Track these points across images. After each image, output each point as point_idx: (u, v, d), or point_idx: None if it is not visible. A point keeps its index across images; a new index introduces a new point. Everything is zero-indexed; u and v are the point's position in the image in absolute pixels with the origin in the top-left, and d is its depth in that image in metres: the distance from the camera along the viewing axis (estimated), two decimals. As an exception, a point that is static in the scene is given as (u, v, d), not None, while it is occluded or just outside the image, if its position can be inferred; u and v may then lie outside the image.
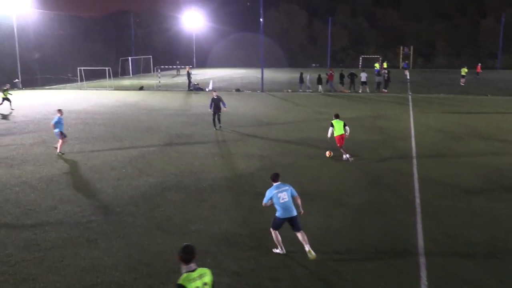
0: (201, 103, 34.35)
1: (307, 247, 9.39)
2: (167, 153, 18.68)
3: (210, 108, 23.67)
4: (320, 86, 40.25)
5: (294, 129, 23.15)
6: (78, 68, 47.77)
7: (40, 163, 17.25)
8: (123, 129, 24.05)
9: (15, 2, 47.81)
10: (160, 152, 18.97)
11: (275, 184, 9.64)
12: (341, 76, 41.16)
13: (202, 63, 78.78)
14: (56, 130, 18.51)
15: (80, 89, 44.95)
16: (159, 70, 47.52)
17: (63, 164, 17.17)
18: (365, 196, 13.25)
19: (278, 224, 9.52)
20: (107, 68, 47.01)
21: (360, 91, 39.41)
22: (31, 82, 49.90)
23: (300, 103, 33.17)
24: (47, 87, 47.76)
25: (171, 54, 74.77)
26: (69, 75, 53.24)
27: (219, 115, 23.62)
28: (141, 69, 67.23)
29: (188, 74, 44.06)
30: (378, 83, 39.94)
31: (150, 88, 45.57)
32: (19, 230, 11.12)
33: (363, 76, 39.97)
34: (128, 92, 42.88)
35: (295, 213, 9.47)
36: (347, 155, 17.23)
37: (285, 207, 9.41)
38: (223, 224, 11.28)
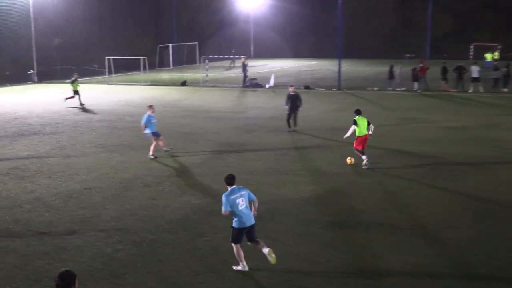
0: (259, 103, 34.55)
1: (266, 250, 10.57)
2: (214, 167, 18.86)
3: (286, 105, 25.22)
4: (416, 84, 39.52)
5: (378, 139, 22.76)
6: (106, 57, 49.40)
7: (57, 176, 17.91)
8: (171, 134, 24.56)
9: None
10: (205, 165, 19.18)
11: (230, 188, 10.60)
12: (444, 71, 40.11)
13: (262, 53, 79.52)
14: (147, 131, 19.97)
15: (108, 84, 46.53)
16: (206, 61, 48.25)
17: (85, 177, 17.75)
18: (470, 231, 12.74)
19: (239, 236, 10.51)
20: (141, 58, 48.37)
21: (470, 90, 38.31)
22: (48, 74, 52.16)
23: (389, 105, 32.67)
24: (67, 81, 49.62)
25: (222, 40, 75.96)
26: (95, 66, 55.27)
27: (295, 115, 25.16)
28: (184, 60, 68.70)
29: (244, 67, 44.54)
30: (496, 80, 38.66)
31: (194, 83, 46.43)
32: (29, 258, 11.54)
33: (475, 70, 38.80)
34: (167, 88, 43.89)
35: (251, 222, 10.53)
36: (366, 160, 18.23)
37: (243, 214, 10.46)
38: (284, 260, 11.18)
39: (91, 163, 19.52)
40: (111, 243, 12.30)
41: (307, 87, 41.21)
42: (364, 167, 18.20)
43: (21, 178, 17.65)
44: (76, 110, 32.26)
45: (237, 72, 52.23)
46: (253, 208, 10.89)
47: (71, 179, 17.49)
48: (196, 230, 13.08)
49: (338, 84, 41.62)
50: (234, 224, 10.60)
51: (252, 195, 10.80)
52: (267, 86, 43.04)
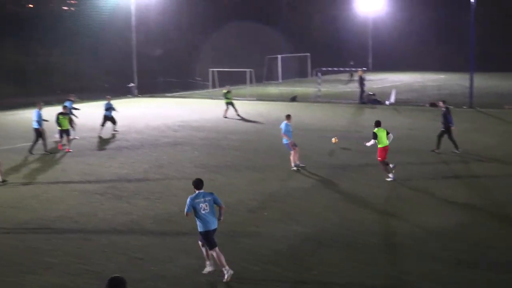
0: (378, 122, 34.07)
1: (210, 268, 12.16)
2: (325, 192, 18.73)
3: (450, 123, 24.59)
4: None
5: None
6: (210, 70, 50.74)
7: (155, 197, 18.48)
8: (265, 155, 24.78)
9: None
10: (315, 189, 19.09)
11: (197, 192, 12.20)
12: None
13: (381, 65, 78.48)
14: (285, 141, 21.71)
15: (212, 98, 47.68)
16: (319, 74, 48.30)
17: (184, 199, 18.12)
18: None
19: (209, 238, 11.94)
20: (248, 71, 49.19)
21: None
22: (149, 87, 54.25)
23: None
24: (168, 94, 51.57)
25: (337, 51, 75.85)
26: (198, 79, 56.94)
27: (450, 135, 24.43)
28: (295, 72, 69.16)
29: (361, 81, 44.17)
30: None
31: (305, 98, 46.57)
32: (124, 285, 11.90)
33: None
34: (275, 103, 44.32)
35: (215, 226, 12.02)
36: (391, 175, 19.92)
37: (207, 218, 11.94)
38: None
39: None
40: (210, 274, 12.45)
41: (433, 105, 40.12)
42: (389, 179, 19.88)
43: (118, 198, 18.35)
44: (183, 126, 33.26)
45: (353, 87, 51.87)
46: (220, 214, 12.27)
47: (169, 201, 17.98)
48: (304, 263, 13.00)
49: (469, 102, 40.20)
50: (200, 229, 12.03)
51: (219, 201, 12.26)
52: (387, 102, 42.38)
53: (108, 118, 31.39)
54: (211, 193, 12.40)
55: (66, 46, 58.48)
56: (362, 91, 43.93)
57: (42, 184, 20.37)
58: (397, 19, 78.60)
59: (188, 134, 30.66)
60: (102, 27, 54.85)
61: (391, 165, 20.16)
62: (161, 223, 15.88)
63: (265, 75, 64.81)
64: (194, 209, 12.05)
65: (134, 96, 52.04)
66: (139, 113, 39.99)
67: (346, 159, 23.86)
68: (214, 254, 12.00)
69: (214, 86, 49.80)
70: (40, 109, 26.90)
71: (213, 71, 50.26)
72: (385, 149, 20.16)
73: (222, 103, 44.82)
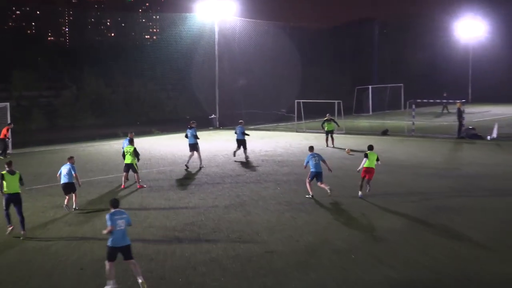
0: (479, 158, 33.15)
1: (140, 279, 13.77)
2: (420, 235, 18.29)
3: None
4: None
5: None
6: (296, 101, 50.90)
7: (236, 235, 18.50)
8: (352, 192, 24.49)
9: (217, 11, 53.73)
10: (409, 231, 18.67)
11: (113, 210, 14.13)
12: None
13: (482, 97, 76.51)
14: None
15: (297, 131, 47.76)
16: (413, 106, 47.58)
17: (267, 238, 18.12)
18: None
19: (112, 254, 13.91)
20: (336, 102, 49.06)
21: None
22: (231, 118, 54.87)
23: None
24: (251, 127, 51.93)
25: (433, 82, 74.64)
26: (283, 110, 57.20)
27: None
28: (386, 104, 68.45)
29: (459, 113, 43.25)
30: None
31: (398, 132, 45.95)
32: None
33: None
34: (365, 137, 43.94)
35: (128, 242, 14.14)
36: (360, 193, 23.50)
37: (119, 235, 13.91)
38: None
39: (273, 223, 19.93)
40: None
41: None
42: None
43: (197, 236, 18.49)
44: (259, 161, 33.41)
45: (450, 120, 50.83)
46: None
47: (251, 240, 17.96)
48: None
49: None
50: (109, 243, 13.97)
51: (130, 220, 14.37)
52: (488, 137, 41.26)
53: (240, 142, 33.99)
54: (124, 211, 14.46)
55: (148, 75, 60.13)
56: (461, 124, 42.97)
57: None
58: (500, 46, 76.73)
59: (272, 169, 30.73)
60: (184, 57, 56.18)
61: (367, 189, 23.64)
62: (242, 263, 15.85)
63: (355, 107, 64.45)
64: (114, 224, 13.90)
65: (215, 128, 52.77)
66: (220, 146, 40.48)
67: (441, 199, 23.26)
68: (107, 266, 13.94)
69: (299, 119, 49.84)
70: (131, 138, 27.36)
71: (299, 102, 50.33)
72: (369, 170, 23.59)
73: (306, 136, 44.93)
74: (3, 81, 59.46)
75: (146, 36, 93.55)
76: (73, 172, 21.85)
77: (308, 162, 23.76)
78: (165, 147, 40.41)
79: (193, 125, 32.17)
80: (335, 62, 71.18)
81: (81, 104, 61.76)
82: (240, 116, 55.91)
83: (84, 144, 42.70)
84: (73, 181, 21.99)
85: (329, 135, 39.32)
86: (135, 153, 26.22)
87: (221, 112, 54.76)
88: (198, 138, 32.14)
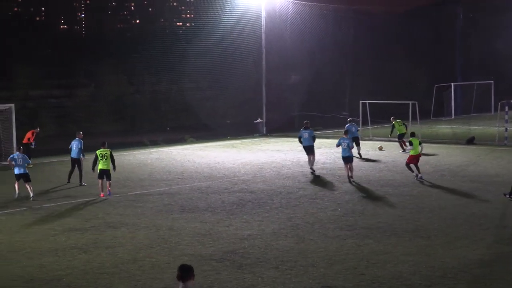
0: None
1: None
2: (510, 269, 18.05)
3: None
4: None
5: None
6: (361, 102, 50.63)
7: (287, 266, 18.45)
8: (430, 214, 24.30)
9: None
10: (501, 263, 18.40)
11: None
12: None
13: None
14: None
15: (363, 139, 47.46)
16: (506, 108, 46.90)
17: (324, 271, 18.03)
18: None
19: None
20: (410, 103, 48.68)
21: None
22: (281, 123, 54.89)
23: None
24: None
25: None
26: (345, 113, 57.01)
27: None
28: (473, 106, 67.60)
29: None
30: None
31: (487, 140, 45.42)
32: None
33: None
34: (446, 147, 43.64)
35: None
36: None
37: None
38: None
39: (333, 251, 19.83)
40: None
41: None
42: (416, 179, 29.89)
43: (239, 267, 18.49)
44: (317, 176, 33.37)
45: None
46: None
47: (305, 272, 17.89)
48: None
49: None
50: None
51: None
52: None
53: (309, 148, 34.96)
54: None
55: (179, 71, 60.29)
56: None
57: (143, 246, 20.97)
58: None
59: (331, 186, 30.64)
60: (224, 48, 56.30)
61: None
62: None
63: (433, 109, 63.80)
64: None
65: (261, 135, 52.82)
66: (267, 157, 40.54)
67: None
68: None
69: (365, 123, 49.58)
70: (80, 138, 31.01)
71: (364, 103, 50.07)
72: (415, 157, 31.15)
73: (374, 145, 44.66)
74: (5, 77, 60.39)
75: (177, 23, 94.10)
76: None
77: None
78: (200, 158, 40.67)
79: (308, 125, 34.92)
80: (408, 55, 70.52)
81: (99, 106, 62.43)
82: (291, 120, 55.90)
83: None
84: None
85: (402, 138, 40.87)
86: (112, 158, 29.11)
87: (269, 116, 54.75)
88: (314, 141, 34.95)
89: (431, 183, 30.84)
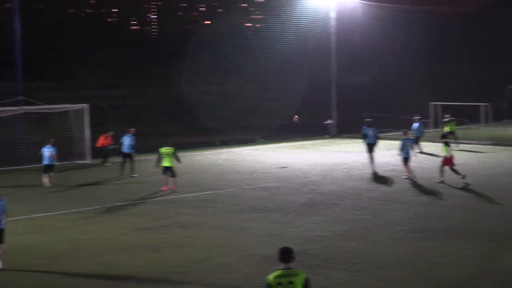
0: None
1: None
2: None
3: None
4: None
5: None
6: (431, 103, 50.09)
7: (355, 268, 18.43)
8: (502, 217, 24.02)
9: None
10: None
11: None
12: None
13: None
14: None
15: (433, 141, 47.00)
16: None
17: (395, 272, 17.95)
18: None
19: None
20: (483, 105, 48.01)
21: None
22: (351, 124, 54.60)
23: None
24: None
25: None
26: (416, 116, 56.29)
27: None
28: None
29: None
30: None
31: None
32: None
33: None
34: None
35: (1, 226, 18.85)
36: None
37: None
38: None
39: (402, 254, 19.74)
40: None
41: None
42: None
43: (308, 268, 18.46)
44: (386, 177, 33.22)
45: None
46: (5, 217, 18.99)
47: (373, 274, 17.85)
48: None
49: None
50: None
51: (6, 208, 19.10)
52: None
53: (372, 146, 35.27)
54: (2, 199, 19.22)
55: (249, 72, 60.48)
56: None
57: (213, 246, 21.19)
58: None
59: (400, 188, 30.47)
60: (293, 49, 56.32)
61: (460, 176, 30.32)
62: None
63: (506, 111, 62.75)
64: None
65: (332, 136, 52.69)
66: (338, 158, 40.45)
67: None
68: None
69: (436, 125, 49.03)
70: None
71: (435, 105, 49.54)
72: (450, 158, 31.15)
73: (439, 148, 44.15)
74: (76, 78, 61.45)
75: (247, 24, 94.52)
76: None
77: None
78: (270, 159, 40.80)
79: (371, 124, 35.84)
80: (480, 54, 69.54)
81: (168, 106, 63.06)
82: (361, 121, 55.54)
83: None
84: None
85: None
86: (176, 156, 30.21)
87: (339, 117, 54.54)
88: (377, 139, 35.57)
89: (503, 186, 30.47)
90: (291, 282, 11.00)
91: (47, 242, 21.94)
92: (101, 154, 39.52)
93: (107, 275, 18.25)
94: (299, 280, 11.06)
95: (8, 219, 21.21)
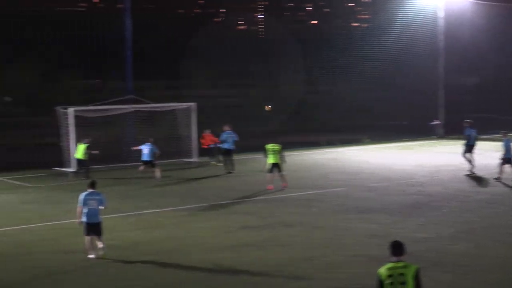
0: None
1: (100, 245, 19.72)
2: None
3: None
4: None
5: None
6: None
7: (461, 271, 18.22)
8: None
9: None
10: None
11: (89, 190, 19.77)
12: None
13: None
14: None
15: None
16: None
17: (499, 276, 17.66)
18: None
19: (86, 229, 19.50)
20: None
21: None
22: (458, 125, 53.60)
23: None
24: (484, 136, 50.40)
25: None
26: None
27: None
28: None
29: None
30: None
31: None
32: None
33: None
34: None
35: (98, 219, 19.69)
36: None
37: (91, 213, 19.43)
38: None
39: (510, 258, 19.40)
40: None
41: None
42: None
43: (414, 270, 18.46)
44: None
45: None
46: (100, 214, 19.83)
47: (480, 278, 17.60)
48: None
49: None
50: (83, 219, 19.55)
51: (104, 202, 19.86)
52: None
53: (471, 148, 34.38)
54: (100, 193, 19.99)
55: (355, 72, 60.31)
56: None
57: (318, 245, 21.31)
58: None
59: (508, 190, 29.85)
60: (400, 49, 55.82)
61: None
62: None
63: None
64: (84, 204, 19.47)
65: (438, 137, 52.01)
66: (445, 159, 39.92)
67: None
68: (86, 240, 19.66)
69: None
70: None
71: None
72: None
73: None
74: (184, 76, 62.36)
75: (354, 24, 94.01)
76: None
77: None
78: (375, 159, 40.58)
79: (471, 125, 35.16)
80: None
81: (275, 105, 63.39)
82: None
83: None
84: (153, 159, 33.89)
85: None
86: (281, 154, 30.55)
87: (446, 118, 53.70)
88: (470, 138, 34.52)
89: None
90: (402, 274, 11.37)
91: (153, 238, 22.44)
92: (207, 152, 39.83)
93: (215, 272, 18.56)
94: (410, 272, 11.42)
95: (115, 215, 21.97)
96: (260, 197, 29.35)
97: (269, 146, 30.43)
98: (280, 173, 30.52)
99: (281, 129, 55.64)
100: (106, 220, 21.27)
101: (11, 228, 24.12)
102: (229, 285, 17.49)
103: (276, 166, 30.38)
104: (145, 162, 34.22)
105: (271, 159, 30.32)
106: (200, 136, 40.32)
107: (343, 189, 30.77)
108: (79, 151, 35.04)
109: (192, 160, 40.46)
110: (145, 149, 34.08)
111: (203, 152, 40.26)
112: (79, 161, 35.31)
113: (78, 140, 35.77)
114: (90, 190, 19.85)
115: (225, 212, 26.36)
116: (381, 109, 65.48)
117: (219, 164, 38.34)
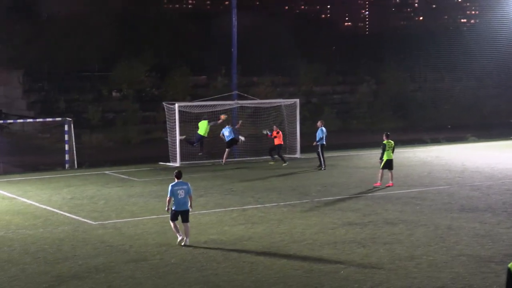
0: None
1: (184, 236, 20.92)
2: None
3: None
4: None
5: None
6: None
7: None
8: None
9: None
10: None
11: (176, 181, 20.96)
12: None
13: None
14: None
15: None
16: None
17: None
18: None
19: (174, 216, 20.87)
20: None
21: None
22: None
23: None
24: None
25: None
26: None
27: None
28: None
29: None
30: None
31: None
32: None
33: None
34: None
35: (186, 207, 20.99)
36: None
37: (179, 202, 20.80)
38: None
39: None
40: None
41: None
42: None
43: None
44: None
45: None
46: (190, 202, 21.04)
47: None
48: None
49: None
50: (173, 207, 20.76)
51: (190, 191, 20.95)
52: None
53: None
54: (187, 183, 21.08)
55: (463, 69, 59.37)
56: None
57: (421, 244, 21.00)
58: None
59: None
60: (509, 45, 54.60)
61: None
62: None
63: None
64: (173, 194, 20.64)
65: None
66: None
67: None
68: (172, 224, 20.93)
69: None
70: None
71: None
72: None
73: None
74: (292, 73, 62.52)
75: (462, 20, 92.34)
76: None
77: None
78: (481, 158, 39.74)
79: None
80: None
81: (380, 103, 62.89)
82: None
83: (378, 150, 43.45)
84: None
85: None
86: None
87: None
88: None
89: None
90: None
91: (256, 233, 22.49)
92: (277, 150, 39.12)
93: (314, 268, 18.51)
94: None
95: (219, 209, 22.06)
96: (362, 194, 29.17)
97: (387, 142, 30.58)
98: (391, 171, 30.56)
99: (387, 126, 55.20)
100: (210, 214, 21.54)
101: (118, 220, 24.65)
102: (329, 281, 17.39)
103: (390, 162, 30.50)
104: (230, 142, 37.67)
105: (387, 156, 30.41)
106: (307, 133, 40.35)
107: (447, 187, 30.31)
108: (201, 127, 37.50)
109: (295, 156, 40.51)
110: (226, 131, 37.59)
111: (305, 148, 40.26)
112: (200, 138, 37.78)
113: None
114: (177, 181, 20.94)
115: (327, 209, 26.26)
116: (489, 107, 64.14)
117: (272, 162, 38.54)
